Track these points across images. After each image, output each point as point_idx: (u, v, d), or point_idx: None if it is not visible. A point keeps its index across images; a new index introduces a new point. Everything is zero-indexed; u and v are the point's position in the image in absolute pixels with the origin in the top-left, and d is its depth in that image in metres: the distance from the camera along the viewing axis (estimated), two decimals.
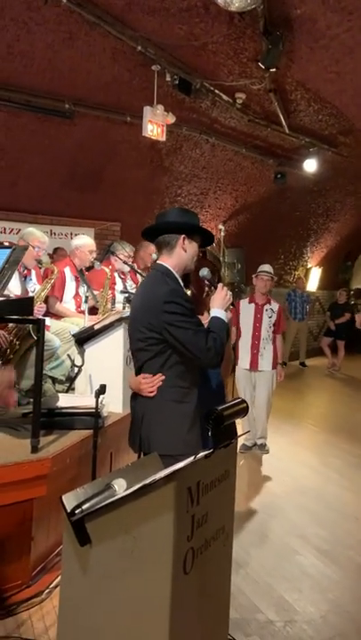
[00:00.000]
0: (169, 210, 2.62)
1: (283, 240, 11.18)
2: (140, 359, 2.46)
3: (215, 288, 2.56)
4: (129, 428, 2.57)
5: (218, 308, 2.50)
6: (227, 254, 9.88)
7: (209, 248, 2.75)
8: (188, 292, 2.70)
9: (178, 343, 2.31)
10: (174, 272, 2.46)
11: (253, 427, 5.46)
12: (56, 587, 2.84)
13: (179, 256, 2.47)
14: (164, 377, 2.38)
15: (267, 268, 5.48)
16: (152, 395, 2.38)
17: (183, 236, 2.45)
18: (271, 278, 5.40)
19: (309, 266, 12.49)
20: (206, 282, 2.65)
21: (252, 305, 5.41)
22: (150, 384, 2.38)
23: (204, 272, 2.59)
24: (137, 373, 2.47)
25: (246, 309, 5.41)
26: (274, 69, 5.63)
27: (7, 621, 2.62)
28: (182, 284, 2.51)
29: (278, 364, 5.42)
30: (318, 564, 3.35)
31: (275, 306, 5.43)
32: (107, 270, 5.03)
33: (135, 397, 2.50)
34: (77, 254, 4.91)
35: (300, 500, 4.34)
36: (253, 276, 5.52)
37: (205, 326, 2.43)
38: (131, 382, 2.51)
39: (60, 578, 1.95)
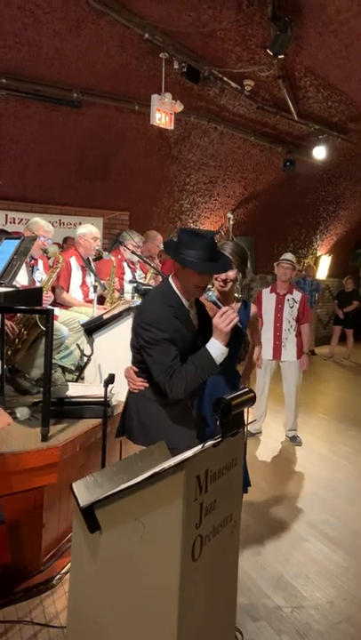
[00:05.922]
0: (180, 232, 2.36)
1: (292, 228, 11.13)
2: (140, 368, 2.56)
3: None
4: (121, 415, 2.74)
5: (215, 338, 2.30)
6: None
7: (230, 242, 2.69)
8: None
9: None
10: (176, 289, 2.39)
11: (262, 415, 5.49)
12: (67, 572, 2.88)
13: (179, 278, 2.38)
14: (147, 384, 2.52)
15: (288, 256, 5.38)
16: (134, 391, 2.58)
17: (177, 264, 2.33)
18: (293, 267, 5.27)
19: (319, 254, 12.43)
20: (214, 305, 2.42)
21: (273, 295, 5.31)
22: (134, 384, 2.58)
23: (209, 293, 2.41)
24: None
25: (268, 299, 5.33)
26: (282, 56, 5.57)
27: (19, 606, 2.67)
28: (183, 302, 2.40)
29: (304, 353, 5.33)
30: (326, 550, 3.38)
31: (297, 295, 5.30)
32: (112, 258, 5.04)
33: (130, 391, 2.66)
34: (82, 243, 4.92)
35: (309, 487, 4.36)
36: (275, 264, 5.40)
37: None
38: (125, 370, 2.66)
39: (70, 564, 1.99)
